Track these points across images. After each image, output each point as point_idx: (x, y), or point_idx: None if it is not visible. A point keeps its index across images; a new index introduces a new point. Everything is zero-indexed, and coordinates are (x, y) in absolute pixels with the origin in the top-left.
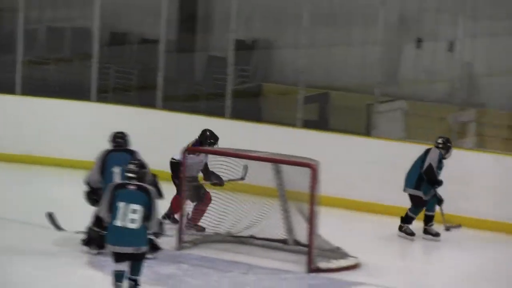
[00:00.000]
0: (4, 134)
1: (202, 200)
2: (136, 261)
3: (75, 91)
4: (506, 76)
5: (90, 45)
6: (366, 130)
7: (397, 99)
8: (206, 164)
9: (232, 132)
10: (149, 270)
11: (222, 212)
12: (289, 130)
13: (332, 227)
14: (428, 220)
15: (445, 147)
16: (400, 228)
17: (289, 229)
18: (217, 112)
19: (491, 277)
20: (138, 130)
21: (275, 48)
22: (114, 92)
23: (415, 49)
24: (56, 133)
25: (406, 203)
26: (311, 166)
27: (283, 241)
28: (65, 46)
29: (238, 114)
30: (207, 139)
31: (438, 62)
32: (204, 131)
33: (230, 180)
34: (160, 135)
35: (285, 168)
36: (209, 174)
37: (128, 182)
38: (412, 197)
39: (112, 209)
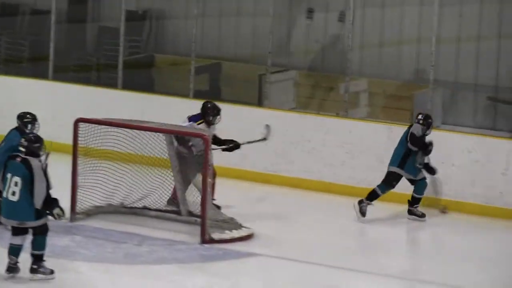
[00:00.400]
0: None
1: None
2: (35, 235)
3: None
4: (396, 46)
5: None
6: (258, 101)
7: (289, 70)
8: (214, 135)
9: (124, 103)
10: None
11: (116, 183)
12: (181, 101)
13: (226, 197)
14: (415, 201)
15: (426, 123)
16: (360, 203)
17: (183, 200)
18: (109, 83)
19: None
20: (29, 101)
21: (166, 19)
22: (5, 63)
23: (306, 19)
24: None
25: (299, 174)
26: (203, 137)
27: (177, 212)
28: None
29: (130, 85)
30: (208, 111)
31: (329, 32)
32: (205, 103)
33: (250, 141)
34: (52, 106)
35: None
36: (222, 142)
37: (18, 154)
38: (389, 174)
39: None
